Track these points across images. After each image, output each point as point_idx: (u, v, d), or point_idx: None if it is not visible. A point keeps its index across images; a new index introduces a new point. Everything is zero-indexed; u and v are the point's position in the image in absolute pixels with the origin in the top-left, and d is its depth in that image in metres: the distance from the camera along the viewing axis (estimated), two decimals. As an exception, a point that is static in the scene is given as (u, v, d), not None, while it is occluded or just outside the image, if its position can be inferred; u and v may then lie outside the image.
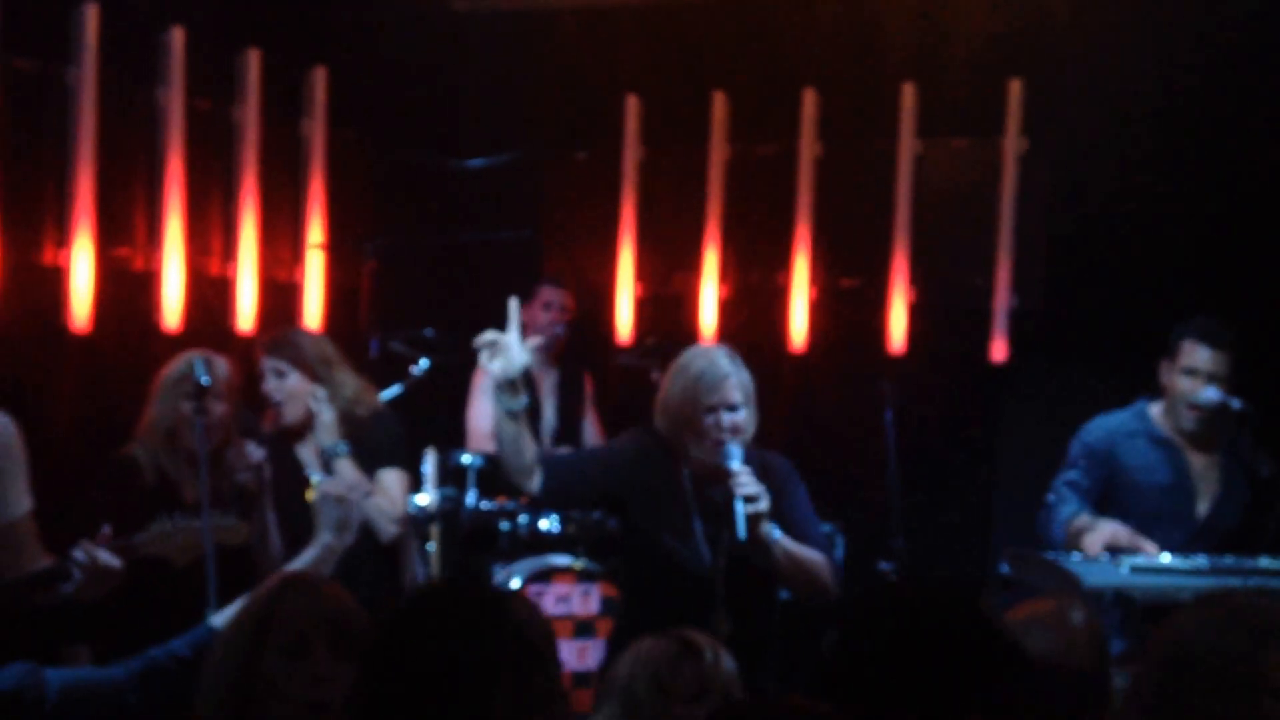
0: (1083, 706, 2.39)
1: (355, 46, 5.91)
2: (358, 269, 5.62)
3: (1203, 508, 4.11)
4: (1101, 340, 5.44)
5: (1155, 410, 4.17)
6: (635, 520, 3.51)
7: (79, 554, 2.70)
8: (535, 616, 1.85)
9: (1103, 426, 4.18)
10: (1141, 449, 4.12)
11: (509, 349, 3.27)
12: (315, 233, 5.80)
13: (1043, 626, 2.49)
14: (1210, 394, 4.04)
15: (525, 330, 5.56)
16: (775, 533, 3.34)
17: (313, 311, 5.79)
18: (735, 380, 3.38)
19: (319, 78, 5.81)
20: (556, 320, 5.56)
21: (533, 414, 5.57)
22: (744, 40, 6.04)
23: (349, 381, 4.01)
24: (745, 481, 3.29)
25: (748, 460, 3.38)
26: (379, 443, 4.01)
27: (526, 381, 5.47)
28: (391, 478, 4.01)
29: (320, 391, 3.93)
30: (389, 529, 3.97)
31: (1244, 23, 5.18)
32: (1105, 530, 3.88)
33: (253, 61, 5.54)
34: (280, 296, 5.70)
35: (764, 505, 3.29)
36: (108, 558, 2.62)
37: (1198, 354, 4.01)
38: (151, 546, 2.87)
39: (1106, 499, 4.09)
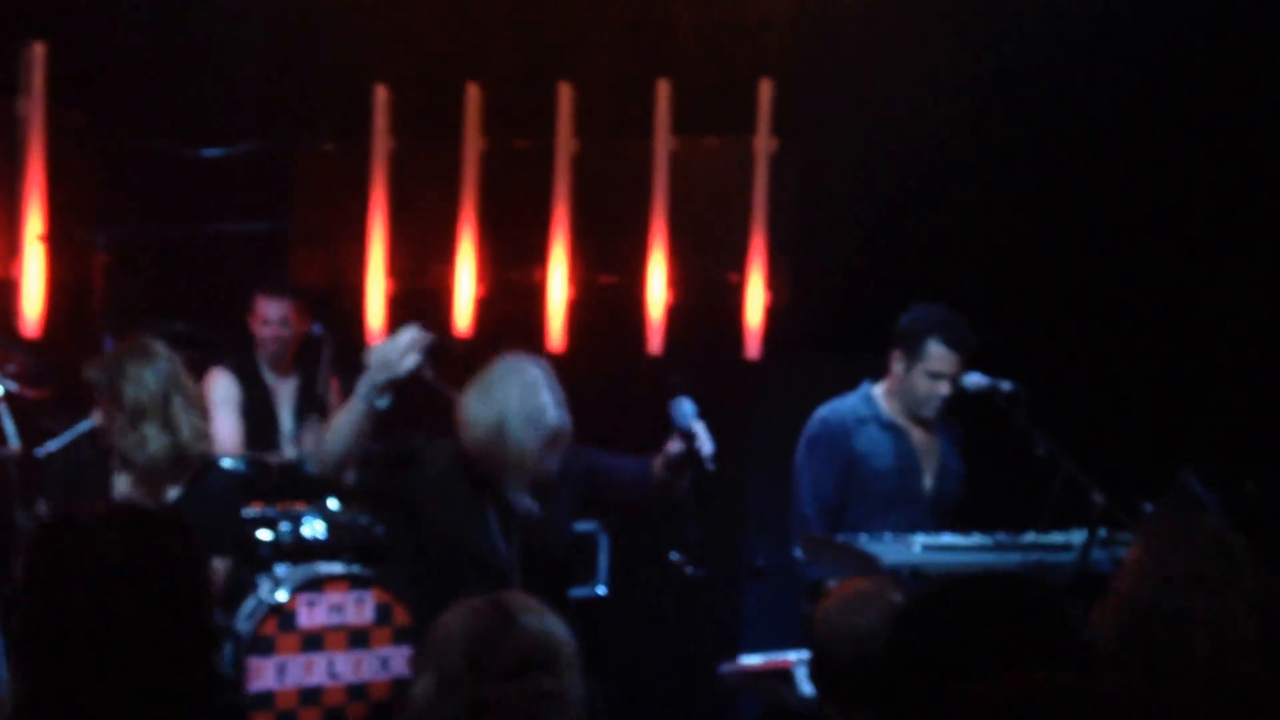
0: None
1: (79, 20, 5.43)
2: (86, 262, 5.17)
3: (928, 484, 4.29)
4: (849, 334, 5.60)
5: (879, 392, 4.30)
6: (429, 517, 3.56)
7: None
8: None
9: (836, 414, 4.29)
10: (873, 435, 4.25)
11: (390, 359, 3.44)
12: (35, 223, 5.30)
13: (870, 603, 2.62)
14: (975, 379, 4.20)
15: (254, 344, 5.34)
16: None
17: (33, 309, 5.28)
18: (562, 435, 3.55)
19: (37, 53, 5.31)
20: (277, 335, 5.25)
21: (270, 424, 5.27)
22: (497, 29, 5.89)
23: None
24: (705, 443, 3.53)
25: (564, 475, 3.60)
26: None
27: (261, 392, 5.28)
28: None
29: None
30: None
31: (988, 26, 5.43)
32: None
33: (-41, 33, 5.02)
34: (-4, 293, 5.18)
35: (711, 448, 3.55)
36: None
37: (946, 359, 4.15)
38: None
39: (845, 482, 4.21)
